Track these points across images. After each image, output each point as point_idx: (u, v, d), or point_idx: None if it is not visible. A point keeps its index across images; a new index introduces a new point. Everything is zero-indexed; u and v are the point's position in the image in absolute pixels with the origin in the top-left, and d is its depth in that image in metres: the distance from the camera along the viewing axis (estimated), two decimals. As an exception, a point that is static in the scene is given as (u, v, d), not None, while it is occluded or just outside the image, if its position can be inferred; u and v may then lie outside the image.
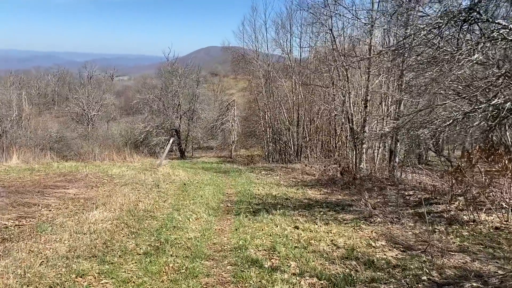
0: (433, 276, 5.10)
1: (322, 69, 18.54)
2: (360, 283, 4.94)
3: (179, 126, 37.48)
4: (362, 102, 15.05)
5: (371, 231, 7.36)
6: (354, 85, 15.61)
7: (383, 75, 13.98)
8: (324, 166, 14.21)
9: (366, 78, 14.62)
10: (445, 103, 8.87)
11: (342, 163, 14.24)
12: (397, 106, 13.45)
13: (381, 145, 15.70)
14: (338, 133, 20.26)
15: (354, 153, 15.56)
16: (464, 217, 8.29)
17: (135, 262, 5.54)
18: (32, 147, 24.53)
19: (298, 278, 5.08)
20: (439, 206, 9.51)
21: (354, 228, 7.55)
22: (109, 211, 8.29)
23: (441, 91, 9.27)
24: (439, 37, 6.30)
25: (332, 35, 15.25)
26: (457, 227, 7.54)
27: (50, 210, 8.32)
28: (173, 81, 38.29)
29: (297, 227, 7.47)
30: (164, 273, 5.15)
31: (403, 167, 13.98)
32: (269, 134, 22.16)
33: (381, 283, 4.91)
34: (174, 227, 7.39)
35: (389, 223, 7.93)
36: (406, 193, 11.44)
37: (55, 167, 15.73)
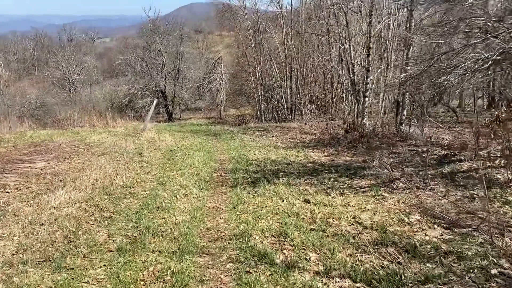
0: (505, 268, 3.74)
1: (316, 16, 16.59)
2: (410, 283, 3.57)
3: (165, 87, 35.37)
4: (364, 50, 13.35)
5: (398, 201, 5.98)
6: (355, 31, 13.83)
7: (387, 17, 12.21)
8: (326, 124, 12.68)
9: (368, 22, 12.83)
10: (475, 43, 7.28)
11: (347, 119, 12.72)
12: (406, 53, 11.79)
13: (384, 98, 14.17)
14: (335, 87, 18.62)
15: (356, 107, 14.04)
16: (498, 176, 6.97)
17: (104, 265, 4.08)
18: (8, 115, 22.61)
19: (324, 280, 3.69)
20: (463, 164, 8.16)
21: (375, 198, 6.15)
22: (78, 189, 6.75)
23: (466, 29, 7.67)
24: None
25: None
26: (497, 190, 6.18)
27: (7, 192, 6.76)
28: (155, 39, 35.76)
29: (307, 201, 6.04)
30: (142, 283, 3.71)
31: (410, 121, 12.54)
32: (261, 92, 20.41)
33: (438, 283, 3.54)
34: (158, 207, 5.91)
35: (415, 189, 6.57)
36: (420, 150, 10.08)
37: (28, 136, 13.99)
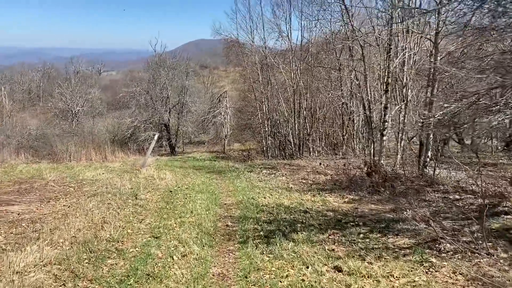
0: None
1: (328, 50, 15.73)
2: None
3: (169, 120, 34.54)
4: (382, 86, 12.33)
5: (453, 272, 4.66)
6: (371, 66, 12.86)
7: (410, 49, 11.25)
8: (344, 165, 11.42)
9: (386, 56, 11.88)
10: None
11: (368, 160, 11.49)
12: (430, 90, 10.72)
13: (403, 137, 12.99)
14: (346, 124, 17.55)
15: (372, 146, 12.86)
16: None
17: None
18: (2, 147, 21.50)
19: None
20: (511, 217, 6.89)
21: (423, 266, 4.83)
22: (54, 245, 5.46)
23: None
24: None
25: (345, 6, 12.42)
26: None
27: (-35, 246, 5.46)
28: (161, 73, 35.30)
29: (339, 269, 4.72)
30: None
31: (435, 163, 11.31)
32: (267, 127, 19.33)
33: None
34: (148, 275, 4.59)
35: (469, 253, 5.25)
36: (452, 197, 8.80)
37: (17, 171, 12.79)
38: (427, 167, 11.05)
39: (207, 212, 7.46)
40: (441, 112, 7.67)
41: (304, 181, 11.13)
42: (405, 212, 7.21)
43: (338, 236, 6.02)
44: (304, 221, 6.89)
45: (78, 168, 13.64)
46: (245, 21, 28.12)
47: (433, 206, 7.88)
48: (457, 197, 8.89)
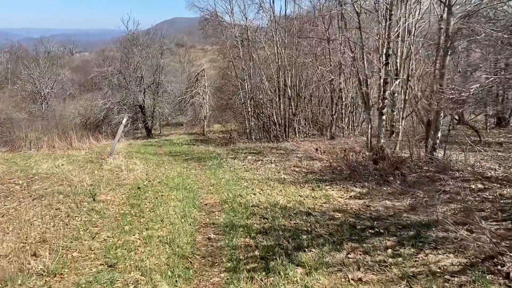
0: None
1: (317, 17, 13.86)
2: None
3: (143, 101, 32.20)
4: (381, 58, 10.65)
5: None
6: (367, 37, 11.13)
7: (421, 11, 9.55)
8: (345, 150, 9.74)
9: (386, 24, 10.15)
10: None
11: (375, 144, 9.83)
12: (440, 61, 9.09)
13: (403, 115, 11.43)
14: (335, 102, 15.88)
15: (369, 126, 11.27)
16: None
17: None
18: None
19: None
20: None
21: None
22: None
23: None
24: None
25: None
26: None
27: None
28: (134, 51, 32.70)
29: (381, 321, 3.09)
30: None
31: (445, 145, 9.81)
32: (250, 108, 17.47)
33: None
34: None
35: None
36: (474, 187, 7.32)
37: (-39, 164, 10.67)
38: (436, 150, 9.56)
39: (182, 220, 5.69)
40: (475, 86, 6.05)
41: (297, 169, 9.45)
42: (431, 211, 5.64)
43: (360, 254, 4.39)
44: (309, 229, 5.23)
45: (35, 159, 11.59)
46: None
47: (460, 201, 6.34)
48: (480, 186, 7.41)
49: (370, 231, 5.14)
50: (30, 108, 37.78)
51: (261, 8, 17.71)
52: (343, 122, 16.95)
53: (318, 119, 16.97)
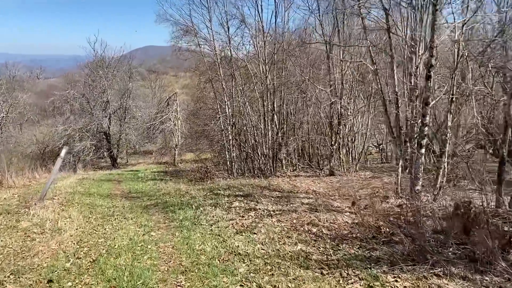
0: None
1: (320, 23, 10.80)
2: None
3: (109, 127, 28.20)
4: (418, 69, 7.58)
5: None
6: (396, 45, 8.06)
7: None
8: (370, 197, 6.25)
9: (429, 22, 7.15)
10: None
11: (413, 199, 6.43)
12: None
13: (448, 149, 8.27)
14: (335, 130, 12.66)
15: (400, 164, 8.03)
16: None
17: None
18: None
19: None
20: None
21: None
22: None
23: None
24: None
25: None
26: None
27: None
28: (100, 73, 28.90)
29: None
30: None
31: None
32: (232, 135, 13.96)
33: None
34: None
35: None
36: None
37: None
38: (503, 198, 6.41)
39: None
40: None
41: (314, 229, 5.96)
42: None
43: None
44: None
45: None
46: None
47: None
48: None
49: None
50: (-19, 135, 32.83)
51: (243, 23, 14.56)
52: (341, 153, 13.76)
53: (314, 150, 13.70)
